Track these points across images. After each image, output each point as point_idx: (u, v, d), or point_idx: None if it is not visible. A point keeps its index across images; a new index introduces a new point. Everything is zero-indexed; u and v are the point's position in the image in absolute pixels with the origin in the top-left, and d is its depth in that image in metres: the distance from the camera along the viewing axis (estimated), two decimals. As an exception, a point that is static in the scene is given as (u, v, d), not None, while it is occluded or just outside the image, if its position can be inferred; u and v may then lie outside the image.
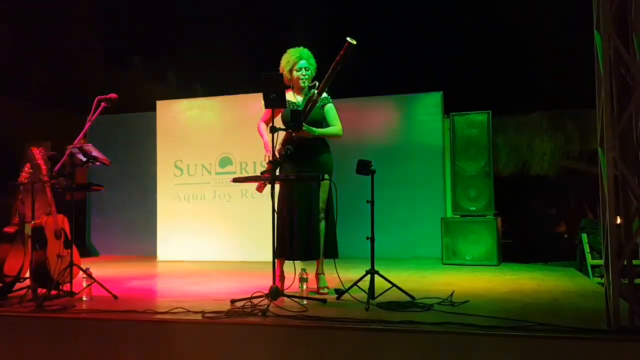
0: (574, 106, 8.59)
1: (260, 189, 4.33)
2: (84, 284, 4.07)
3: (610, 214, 2.87)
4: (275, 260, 3.88)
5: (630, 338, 2.68)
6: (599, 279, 5.31)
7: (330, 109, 4.30)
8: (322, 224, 4.24)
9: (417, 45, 8.60)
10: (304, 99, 4.25)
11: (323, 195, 4.25)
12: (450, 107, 7.22)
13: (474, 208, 6.44)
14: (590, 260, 5.88)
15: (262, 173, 4.13)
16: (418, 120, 7.64)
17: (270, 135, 3.80)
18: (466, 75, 8.39)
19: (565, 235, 9.98)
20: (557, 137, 8.73)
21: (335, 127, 4.29)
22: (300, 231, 4.16)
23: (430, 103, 7.62)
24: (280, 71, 4.32)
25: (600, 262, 3.61)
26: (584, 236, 6.08)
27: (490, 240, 6.23)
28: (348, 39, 3.94)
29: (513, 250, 7.30)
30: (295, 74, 4.27)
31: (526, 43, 8.47)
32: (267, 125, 4.28)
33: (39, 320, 3.50)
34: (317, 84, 4.21)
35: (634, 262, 2.97)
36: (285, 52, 4.36)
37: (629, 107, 2.91)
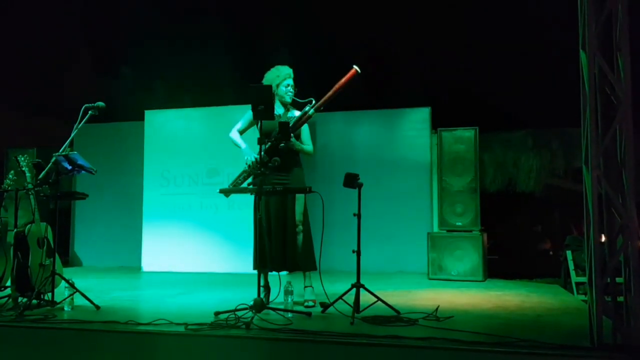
0: (560, 124, 8.67)
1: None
2: (66, 294, 4.02)
3: (595, 232, 2.90)
4: (260, 272, 3.87)
5: (613, 355, 2.69)
6: (582, 296, 5.33)
7: (305, 128, 4.48)
8: (300, 237, 4.26)
9: (406, 61, 8.67)
10: (284, 113, 4.44)
11: (300, 207, 4.29)
12: (438, 123, 7.25)
13: (460, 223, 6.48)
14: (574, 278, 5.90)
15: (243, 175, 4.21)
16: (406, 135, 7.68)
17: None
18: (454, 91, 8.46)
19: (550, 252, 10.02)
20: (542, 154, 8.79)
21: (310, 145, 4.50)
22: (278, 243, 4.21)
23: (419, 118, 7.67)
24: (266, 83, 4.40)
25: (585, 279, 3.63)
26: (569, 253, 6.10)
27: (476, 256, 6.26)
28: (355, 67, 4.14)
29: (498, 266, 7.32)
30: (282, 89, 4.43)
31: (514, 62, 8.57)
32: (240, 134, 4.55)
33: (19, 330, 3.45)
34: (313, 101, 4.27)
35: (617, 279, 2.99)
36: (269, 66, 4.51)
37: (613, 125, 2.95)
